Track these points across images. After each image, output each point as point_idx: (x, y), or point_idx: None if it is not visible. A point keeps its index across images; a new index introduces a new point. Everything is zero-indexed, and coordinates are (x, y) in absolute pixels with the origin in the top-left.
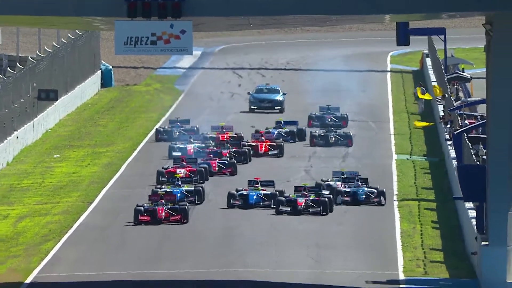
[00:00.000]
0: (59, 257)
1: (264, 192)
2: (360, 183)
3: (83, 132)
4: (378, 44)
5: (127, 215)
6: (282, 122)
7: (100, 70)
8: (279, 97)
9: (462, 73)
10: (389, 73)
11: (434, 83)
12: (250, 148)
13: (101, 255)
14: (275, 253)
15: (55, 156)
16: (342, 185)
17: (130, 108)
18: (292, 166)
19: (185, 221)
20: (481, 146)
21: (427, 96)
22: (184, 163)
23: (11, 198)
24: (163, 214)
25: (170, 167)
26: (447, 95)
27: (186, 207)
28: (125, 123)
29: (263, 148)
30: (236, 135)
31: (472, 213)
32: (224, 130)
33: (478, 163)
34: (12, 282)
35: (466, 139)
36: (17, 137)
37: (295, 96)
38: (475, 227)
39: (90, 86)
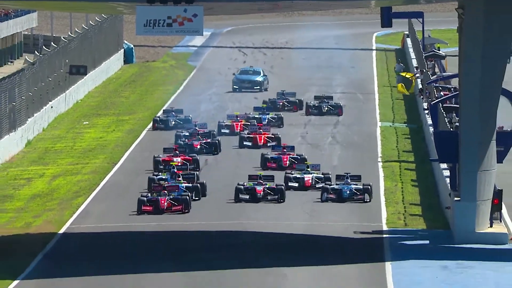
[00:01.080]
0: (88, 211)
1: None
2: (349, 181)
3: (108, 103)
4: (364, 26)
5: (146, 176)
6: (264, 107)
7: (123, 49)
8: (258, 78)
9: (438, 51)
10: (374, 51)
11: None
12: (219, 138)
13: (125, 209)
14: (274, 210)
15: (84, 123)
16: (334, 182)
17: (149, 81)
18: (290, 133)
19: (186, 211)
20: (454, 114)
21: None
22: (176, 152)
23: (46, 159)
24: (165, 204)
25: (161, 156)
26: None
27: (187, 197)
28: (145, 94)
29: (262, 140)
30: (249, 123)
31: (446, 173)
32: (238, 118)
33: (451, 129)
34: (47, 233)
35: (441, 109)
36: (52, 107)
37: (292, 72)
38: (449, 185)
39: (115, 62)
